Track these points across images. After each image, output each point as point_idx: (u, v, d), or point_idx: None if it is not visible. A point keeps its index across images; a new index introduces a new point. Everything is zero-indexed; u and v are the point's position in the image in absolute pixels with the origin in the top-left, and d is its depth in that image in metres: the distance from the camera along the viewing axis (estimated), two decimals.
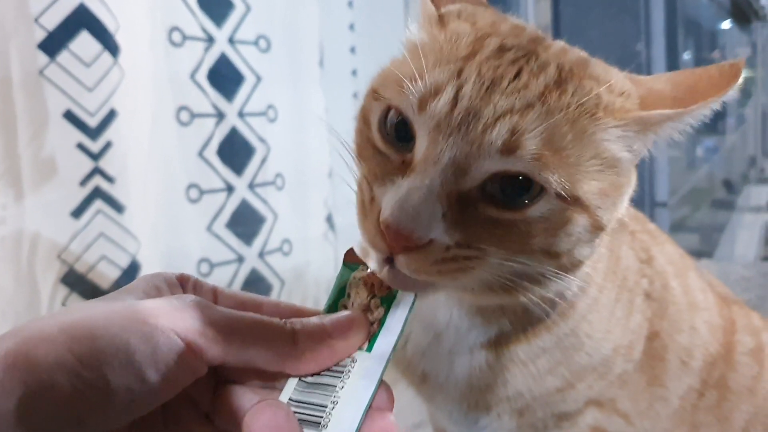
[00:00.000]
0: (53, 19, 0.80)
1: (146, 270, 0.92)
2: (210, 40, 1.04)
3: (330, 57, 1.32)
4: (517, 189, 0.39)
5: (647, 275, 0.54)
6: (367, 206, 0.42)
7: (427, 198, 0.38)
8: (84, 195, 0.85)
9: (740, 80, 0.41)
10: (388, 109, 0.42)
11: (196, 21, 1.01)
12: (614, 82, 0.42)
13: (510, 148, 0.38)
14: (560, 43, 0.45)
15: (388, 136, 0.43)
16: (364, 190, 0.43)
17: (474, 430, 0.53)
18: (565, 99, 0.39)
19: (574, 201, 0.40)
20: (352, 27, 1.44)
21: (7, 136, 0.79)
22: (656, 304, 0.54)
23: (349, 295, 0.42)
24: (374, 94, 0.44)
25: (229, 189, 1.08)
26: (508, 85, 0.39)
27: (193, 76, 1.01)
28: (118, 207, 0.88)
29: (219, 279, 1.07)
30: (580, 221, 0.40)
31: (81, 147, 0.84)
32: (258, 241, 1.13)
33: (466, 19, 0.45)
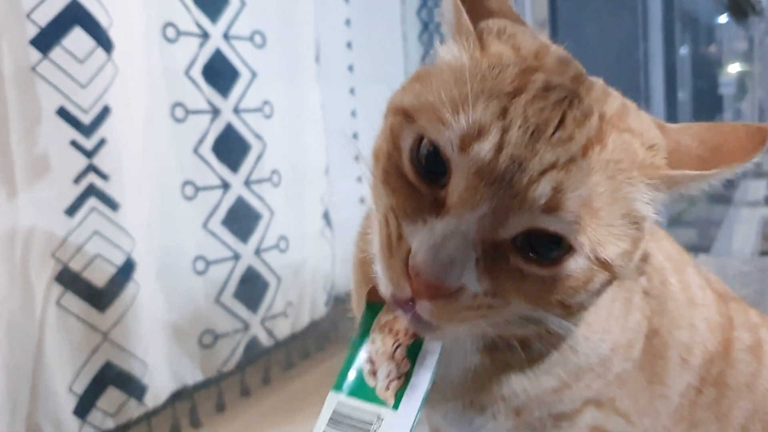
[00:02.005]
0: (46, 15, 0.79)
1: (141, 268, 0.91)
2: (205, 35, 1.03)
3: (326, 52, 1.31)
4: (546, 244, 0.38)
5: (645, 272, 0.54)
6: (394, 244, 0.40)
7: (462, 246, 0.37)
8: (78, 192, 0.84)
9: (766, 147, 0.40)
10: (421, 137, 0.40)
11: (190, 16, 1.00)
12: (646, 134, 0.41)
13: (552, 207, 0.36)
14: (600, 84, 0.43)
15: (420, 168, 0.40)
16: (391, 225, 0.40)
17: (469, 430, 0.52)
18: (605, 155, 0.38)
19: (601, 262, 0.39)
20: (348, 22, 1.43)
21: None
22: (655, 301, 0.53)
23: (374, 341, 0.41)
24: (406, 115, 0.41)
25: (225, 186, 1.07)
26: (553, 133, 0.37)
27: (187, 72, 1.01)
28: (112, 204, 0.87)
29: (215, 277, 1.06)
30: (600, 278, 0.40)
31: (75, 144, 0.83)
32: (254, 238, 1.13)
33: (506, 41, 0.43)
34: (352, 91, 1.45)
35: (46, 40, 0.80)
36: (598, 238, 0.38)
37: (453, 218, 0.37)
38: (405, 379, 0.39)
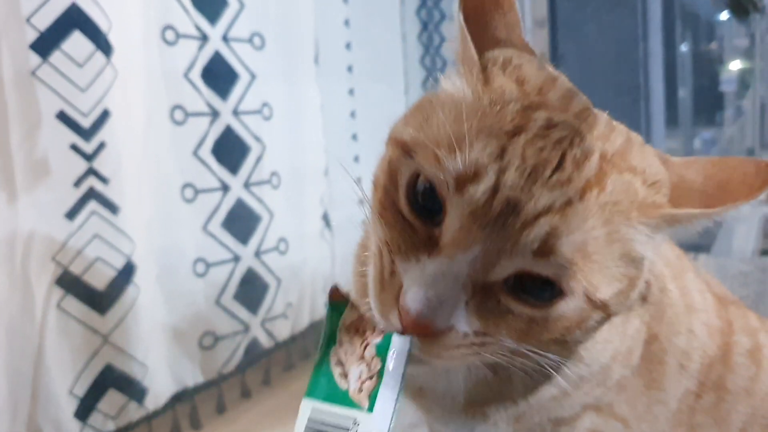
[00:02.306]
0: (45, 20, 0.79)
1: (142, 270, 0.91)
2: (204, 38, 1.03)
3: (325, 53, 1.31)
4: (539, 286, 0.38)
5: (644, 279, 0.54)
6: (387, 279, 0.40)
7: (452, 287, 0.37)
8: (78, 196, 0.85)
9: None
10: (418, 174, 0.40)
11: (189, 19, 1.00)
12: (648, 171, 0.40)
13: (544, 251, 0.36)
14: (604, 119, 0.42)
15: (415, 205, 0.40)
16: (384, 259, 0.40)
17: None
18: (603, 198, 0.38)
19: (594, 303, 0.39)
20: (347, 23, 1.43)
21: None
22: (654, 307, 0.53)
23: (341, 342, 0.40)
24: (405, 149, 0.41)
25: (225, 188, 1.07)
26: (551, 175, 0.37)
27: (187, 74, 1.01)
28: (112, 208, 0.88)
29: (215, 279, 1.06)
30: (595, 317, 0.40)
31: (74, 148, 0.83)
32: (254, 240, 1.13)
33: (511, 73, 0.42)
34: (351, 91, 1.45)
35: (46, 44, 0.80)
36: (591, 281, 0.37)
37: (445, 258, 0.37)
38: (377, 378, 0.39)
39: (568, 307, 0.38)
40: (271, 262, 1.16)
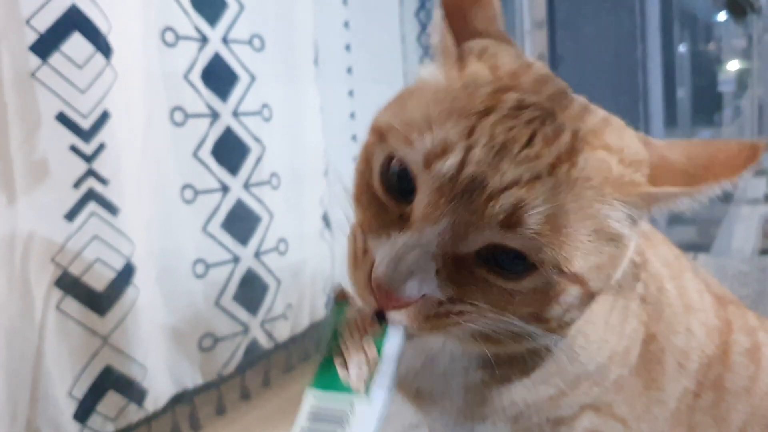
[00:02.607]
0: (45, 21, 0.79)
1: (141, 272, 0.91)
2: (203, 39, 1.03)
3: (325, 55, 1.31)
4: (511, 259, 0.39)
5: (642, 279, 0.54)
6: (360, 257, 0.41)
7: (421, 258, 0.38)
8: (78, 197, 0.84)
9: (757, 163, 0.39)
10: (392, 156, 0.41)
11: (189, 21, 1.00)
12: (627, 150, 0.41)
13: (511, 223, 0.37)
14: (581, 101, 0.43)
15: (389, 186, 0.41)
16: (357, 239, 0.42)
17: None
18: (574, 173, 0.38)
19: (569, 276, 0.39)
20: (346, 24, 1.43)
21: None
22: (652, 307, 0.54)
23: (342, 336, 0.42)
24: (379, 134, 0.43)
25: (224, 189, 1.07)
26: (519, 151, 0.38)
27: (186, 76, 1.01)
28: (112, 209, 0.87)
29: (214, 280, 1.06)
30: (572, 292, 0.40)
31: (74, 149, 0.83)
32: (254, 241, 1.13)
33: (486, 60, 0.43)
34: (350, 93, 1.46)
35: (46, 45, 0.80)
36: (562, 254, 0.38)
37: (414, 232, 0.38)
38: (373, 365, 0.41)
39: (541, 279, 0.39)
40: (271, 263, 1.16)
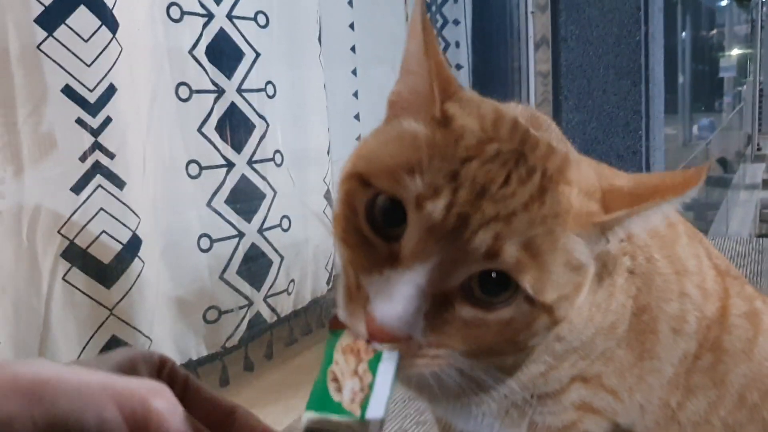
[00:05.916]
0: None
1: (147, 245, 0.93)
2: (209, 15, 1.03)
3: (328, 33, 1.31)
4: (494, 286, 0.41)
5: (627, 252, 0.55)
6: (354, 292, 0.43)
7: (414, 296, 0.40)
8: (84, 170, 0.85)
9: (701, 183, 0.42)
10: (377, 195, 0.43)
11: None
12: (584, 182, 0.44)
13: (493, 253, 0.40)
14: (545, 142, 0.46)
15: (376, 224, 0.43)
16: (350, 277, 0.44)
17: (469, 417, 0.57)
18: (544, 210, 0.41)
19: (540, 306, 0.42)
20: (350, 3, 1.43)
21: (5, 110, 0.79)
22: (640, 279, 0.55)
23: (337, 362, 0.44)
24: (361, 179, 0.44)
25: (229, 165, 1.08)
26: (498, 190, 0.41)
27: (192, 51, 1.01)
28: (118, 182, 0.88)
29: (219, 254, 1.07)
30: (541, 322, 0.43)
31: (80, 122, 0.84)
32: (257, 217, 1.14)
33: (471, 112, 0.45)
34: (354, 72, 1.46)
35: (51, 18, 0.80)
36: (539, 281, 0.41)
37: (406, 269, 0.41)
38: (368, 390, 0.42)
39: (517, 308, 0.42)
40: (274, 239, 1.17)
